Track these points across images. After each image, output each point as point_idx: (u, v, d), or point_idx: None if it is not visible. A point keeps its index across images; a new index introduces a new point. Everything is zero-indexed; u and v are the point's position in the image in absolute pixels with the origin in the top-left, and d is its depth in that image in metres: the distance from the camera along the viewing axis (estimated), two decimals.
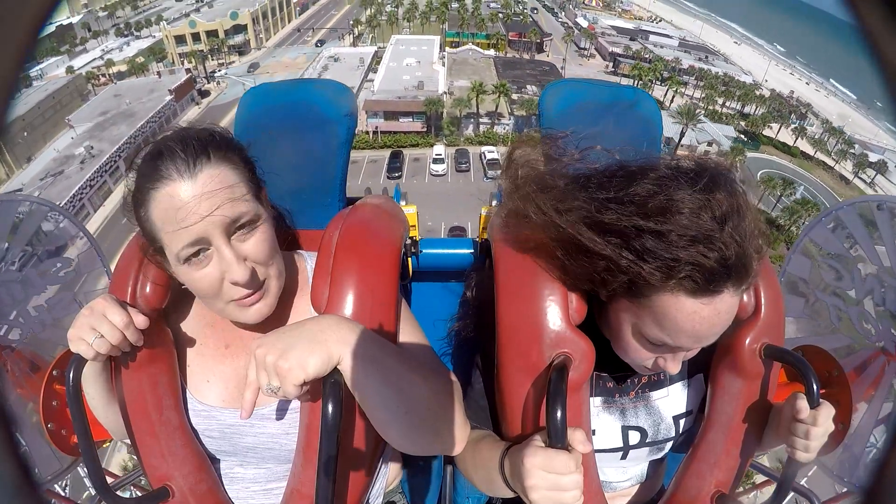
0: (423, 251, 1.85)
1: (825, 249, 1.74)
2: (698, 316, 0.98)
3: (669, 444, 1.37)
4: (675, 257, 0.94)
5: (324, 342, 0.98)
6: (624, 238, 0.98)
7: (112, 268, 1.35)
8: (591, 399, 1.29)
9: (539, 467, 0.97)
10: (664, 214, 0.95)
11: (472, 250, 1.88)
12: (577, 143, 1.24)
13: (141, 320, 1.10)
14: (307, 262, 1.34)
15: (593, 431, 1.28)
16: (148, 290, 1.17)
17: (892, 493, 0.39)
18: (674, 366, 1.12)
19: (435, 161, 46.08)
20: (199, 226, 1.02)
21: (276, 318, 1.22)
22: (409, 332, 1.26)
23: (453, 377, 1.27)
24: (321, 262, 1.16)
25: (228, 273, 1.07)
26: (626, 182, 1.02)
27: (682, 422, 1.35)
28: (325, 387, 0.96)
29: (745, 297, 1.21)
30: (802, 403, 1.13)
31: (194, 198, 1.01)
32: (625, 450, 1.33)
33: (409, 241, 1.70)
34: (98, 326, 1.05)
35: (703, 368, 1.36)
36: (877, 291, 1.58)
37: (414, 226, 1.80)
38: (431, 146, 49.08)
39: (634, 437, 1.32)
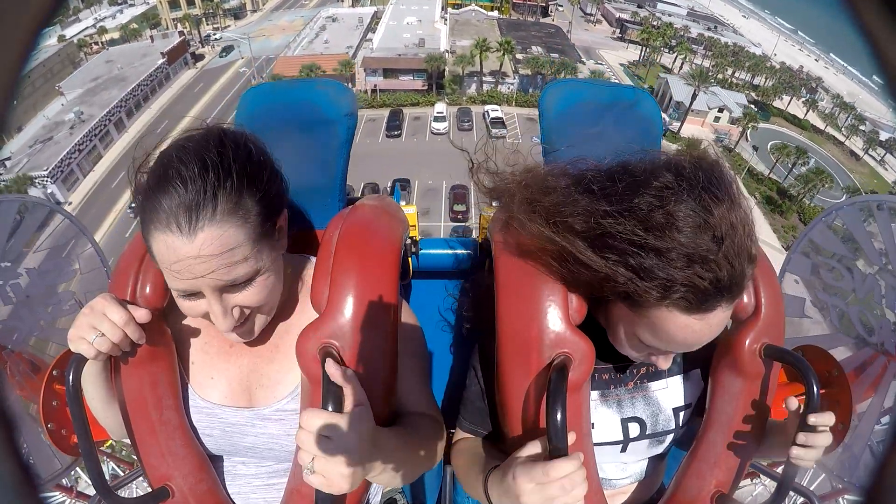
0: (423, 251, 1.85)
1: (825, 249, 1.74)
2: (690, 329, 1.01)
3: (670, 438, 1.37)
4: (671, 277, 0.96)
5: (363, 466, 0.96)
6: (622, 255, 1.00)
7: (111, 267, 1.34)
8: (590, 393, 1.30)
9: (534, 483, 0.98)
10: (664, 231, 0.96)
11: (472, 250, 1.88)
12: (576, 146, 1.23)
13: (142, 314, 1.10)
14: (310, 266, 1.33)
15: (592, 425, 1.29)
16: (148, 289, 1.17)
17: (893, 493, 0.39)
18: (665, 363, 1.16)
19: (436, 119, 45.04)
20: (190, 281, 1.00)
21: (279, 320, 1.25)
22: (408, 335, 1.26)
23: (440, 419, 1.31)
24: (321, 263, 1.16)
25: (213, 320, 1.06)
26: (630, 191, 1.01)
27: (681, 414, 1.36)
28: (325, 384, 0.97)
29: (745, 298, 1.22)
30: (802, 415, 1.14)
31: (189, 258, 0.97)
32: (625, 443, 1.34)
33: (409, 241, 1.69)
34: (99, 325, 1.05)
35: (700, 364, 1.37)
36: (877, 291, 1.58)
37: (414, 226, 1.80)
38: (432, 105, 48.03)
39: (634, 430, 1.33)
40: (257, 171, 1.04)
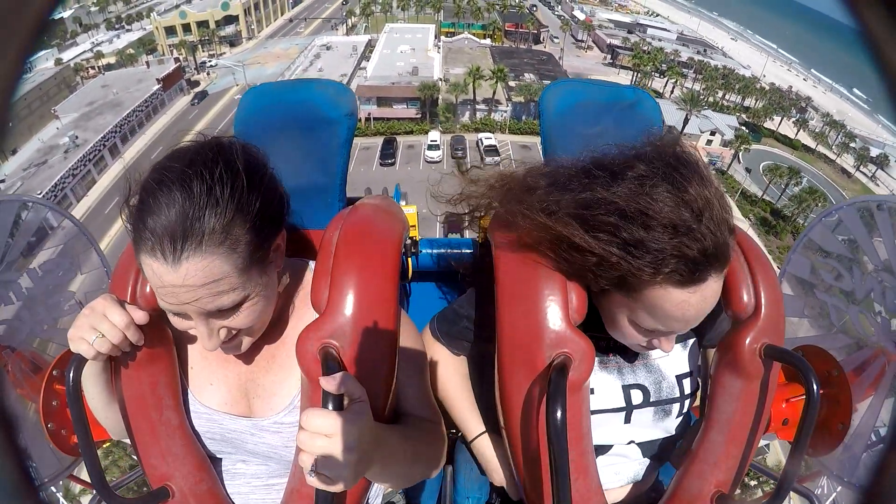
0: (423, 251, 1.85)
1: (825, 249, 1.75)
2: (687, 304, 1.06)
3: (676, 408, 1.35)
4: (660, 249, 1.01)
5: (364, 464, 0.95)
6: (612, 235, 1.05)
7: (112, 267, 1.34)
8: None
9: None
10: (647, 212, 1.02)
11: (472, 250, 1.89)
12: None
13: (140, 316, 1.09)
14: (309, 272, 1.32)
15: (592, 391, 1.29)
16: (148, 289, 1.17)
17: (892, 493, 0.39)
18: (668, 345, 1.18)
19: (430, 148, 45.18)
20: (175, 305, 1.00)
21: (274, 324, 1.23)
22: (407, 340, 1.25)
23: (440, 424, 1.31)
24: (321, 263, 1.16)
25: (199, 339, 1.06)
26: (609, 182, 1.07)
27: (685, 382, 1.36)
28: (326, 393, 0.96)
29: (745, 298, 1.23)
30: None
31: (173, 285, 0.96)
32: (628, 410, 1.32)
33: (409, 241, 1.70)
34: (98, 326, 1.04)
35: (691, 335, 1.39)
36: (877, 291, 1.59)
37: (414, 226, 1.80)
38: (426, 133, 48.19)
39: (637, 396, 1.32)
40: (251, 196, 1.01)
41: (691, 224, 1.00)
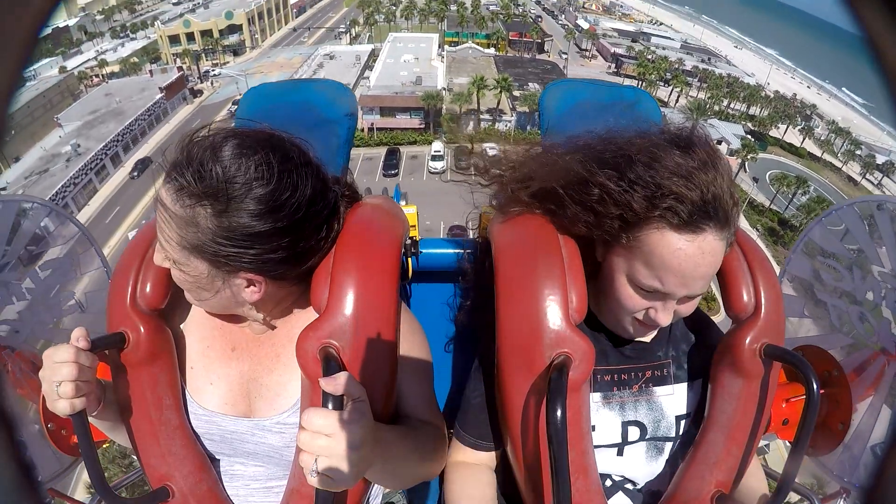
0: (423, 251, 1.84)
1: (825, 249, 1.75)
2: (683, 253, 1.06)
3: (668, 446, 1.36)
4: (658, 184, 1.05)
5: (364, 463, 0.95)
6: (618, 170, 1.10)
7: (112, 268, 1.35)
8: (591, 395, 1.29)
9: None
10: (655, 158, 1.07)
11: (472, 251, 1.88)
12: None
13: (83, 343, 1.06)
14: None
15: (593, 427, 1.28)
16: (148, 290, 1.18)
17: (892, 493, 0.39)
18: (664, 317, 1.16)
19: (434, 158, 44.86)
20: None
21: (280, 328, 1.25)
22: (409, 340, 1.25)
23: (442, 427, 1.31)
24: (321, 262, 1.16)
25: None
26: (621, 142, 1.16)
27: (682, 423, 1.35)
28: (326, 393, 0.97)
29: (745, 297, 1.23)
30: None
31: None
32: (621, 446, 1.32)
33: (409, 241, 1.70)
34: (54, 377, 1.01)
35: (702, 374, 1.37)
36: (877, 292, 1.58)
37: (414, 226, 1.80)
38: (429, 143, 47.88)
39: (633, 433, 1.32)
40: (234, 218, 1.01)
41: (693, 171, 1.04)
